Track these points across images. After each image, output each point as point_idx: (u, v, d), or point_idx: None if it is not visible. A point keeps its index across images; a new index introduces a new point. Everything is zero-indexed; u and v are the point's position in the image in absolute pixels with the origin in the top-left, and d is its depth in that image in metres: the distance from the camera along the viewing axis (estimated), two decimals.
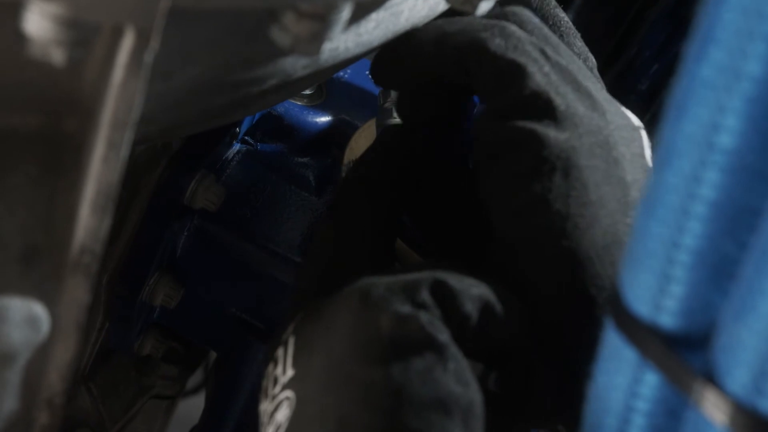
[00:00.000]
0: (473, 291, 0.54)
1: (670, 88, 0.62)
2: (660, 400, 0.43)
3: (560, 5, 1.05)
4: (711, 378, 0.40)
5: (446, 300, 0.53)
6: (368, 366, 0.51)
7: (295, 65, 0.56)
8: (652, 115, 1.08)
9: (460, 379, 0.51)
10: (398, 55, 0.64)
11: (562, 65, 0.61)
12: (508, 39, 0.61)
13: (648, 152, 0.63)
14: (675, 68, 0.47)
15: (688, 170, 0.40)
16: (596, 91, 0.63)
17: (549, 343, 0.58)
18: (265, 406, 0.57)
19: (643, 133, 0.63)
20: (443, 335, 0.52)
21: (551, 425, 0.59)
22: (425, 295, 0.53)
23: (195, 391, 1.10)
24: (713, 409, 0.40)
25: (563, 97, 0.60)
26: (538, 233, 0.58)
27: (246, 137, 0.82)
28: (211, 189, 0.75)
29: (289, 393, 0.55)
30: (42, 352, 0.48)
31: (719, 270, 0.41)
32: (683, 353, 0.42)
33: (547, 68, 0.61)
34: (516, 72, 0.60)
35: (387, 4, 0.56)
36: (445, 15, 0.65)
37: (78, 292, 0.48)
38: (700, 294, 0.41)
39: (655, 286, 0.42)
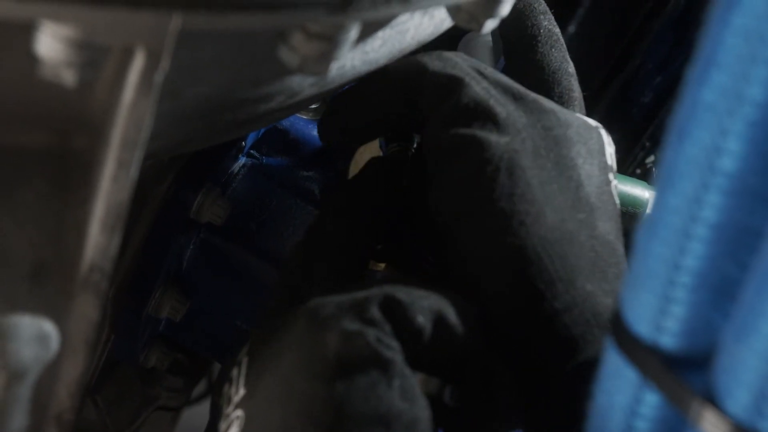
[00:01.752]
0: (424, 303, 0.55)
1: (673, 101, 0.62)
2: (660, 420, 0.44)
3: (563, 17, 1.06)
4: (711, 399, 0.41)
5: (396, 315, 0.54)
6: (313, 382, 0.52)
7: (303, 83, 0.57)
8: (655, 127, 1.08)
9: (405, 396, 0.52)
10: (348, 97, 0.67)
11: (502, 82, 0.63)
12: (446, 61, 0.64)
13: (609, 149, 0.64)
14: (678, 81, 0.47)
15: (690, 192, 0.40)
16: (544, 99, 0.65)
17: (501, 342, 0.58)
18: (220, 426, 0.57)
19: (603, 132, 0.65)
20: (390, 351, 0.53)
21: (513, 426, 0.60)
22: (374, 312, 0.54)
23: (199, 400, 1.10)
24: (713, 429, 0.40)
25: (503, 107, 0.62)
26: (485, 233, 0.59)
27: (251, 151, 0.82)
28: (217, 203, 0.76)
29: (239, 412, 0.56)
30: (51, 369, 0.49)
31: (720, 291, 0.41)
32: (684, 374, 0.42)
33: (485, 84, 0.63)
34: (454, 84, 0.63)
35: (393, 23, 0.57)
36: (450, 32, 0.65)
37: (87, 309, 0.48)
38: (701, 315, 0.42)
39: (656, 306, 0.42)
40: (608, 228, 0.61)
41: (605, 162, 0.63)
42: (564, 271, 0.58)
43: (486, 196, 0.59)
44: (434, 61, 0.64)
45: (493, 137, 0.60)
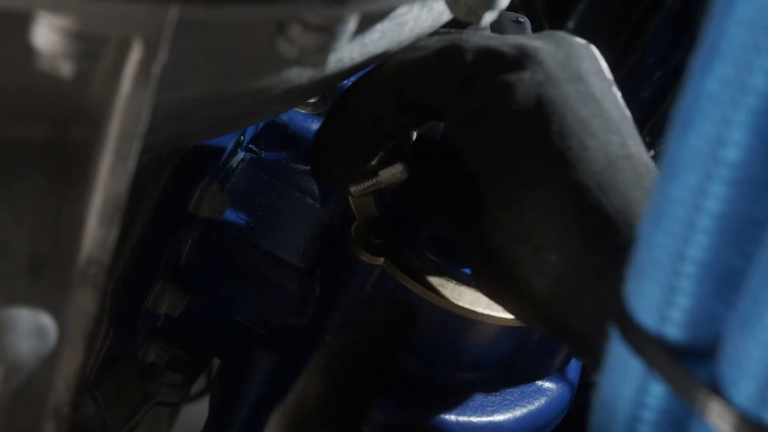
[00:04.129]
0: None
1: (673, 95, 0.61)
2: (666, 410, 0.44)
3: (562, 13, 1.06)
4: (717, 389, 0.40)
5: None
6: None
7: (301, 76, 0.57)
8: (655, 122, 1.08)
9: None
10: (332, 122, 0.65)
11: (493, 34, 0.62)
12: (421, 49, 0.62)
13: (604, 64, 0.62)
14: (678, 76, 0.47)
15: (693, 183, 0.40)
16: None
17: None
18: None
19: (593, 47, 0.63)
20: None
21: None
22: None
23: (198, 396, 1.10)
24: (719, 420, 0.40)
25: (508, 44, 0.60)
26: (530, 180, 0.57)
27: (250, 145, 0.82)
28: (216, 197, 0.75)
29: None
30: (49, 363, 0.48)
31: (725, 282, 0.41)
32: (689, 364, 0.42)
33: (477, 37, 0.62)
34: (449, 52, 0.61)
35: (392, 15, 0.56)
36: (449, 25, 0.65)
37: (85, 302, 0.48)
38: (706, 305, 0.41)
39: (660, 297, 0.42)
40: (636, 143, 0.58)
41: (605, 75, 0.62)
42: (619, 202, 0.56)
43: (523, 145, 0.57)
44: (410, 53, 0.62)
45: (512, 78, 0.58)
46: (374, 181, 0.69)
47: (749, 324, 0.39)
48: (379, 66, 0.64)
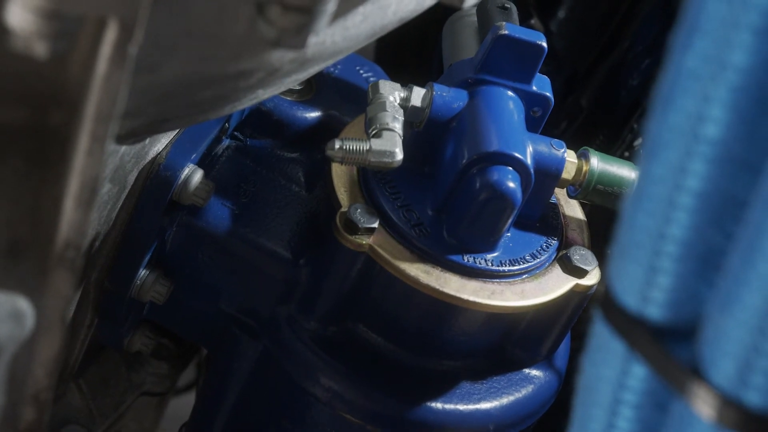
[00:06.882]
0: None
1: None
2: (647, 392, 0.43)
3: (553, 2, 1.05)
4: (697, 370, 0.40)
5: None
6: None
7: (282, 59, 0.56)
8: (643, 110, 1.08)
9: None
10: None
11: None
12: None
13: None
14: None
15: (674, 161, 0.40)
16: None
17: None
18: None
19: None
20: None
21: None
22: None
23: (186, 389, 1.10)
24: (699, 401, 0.40)
25: None
26: None
27: (235, 133, 0.81)
28: (200, 185, 0.75)
29: None
30: (27, 347, 0.48)
31: (706, 261, 0.41)
32: (670, 345, 0.41)
33: None
34: None
35: None
36: (433, 8, 0.65)
37: (62, 286, 0.47)
38: (687, 285, 0.41)
39: (642, 277, 0.42)
40: None
41: None
42: None
43: None
44: None
45: None
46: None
47: (728, 303, 0.39)
48: None
